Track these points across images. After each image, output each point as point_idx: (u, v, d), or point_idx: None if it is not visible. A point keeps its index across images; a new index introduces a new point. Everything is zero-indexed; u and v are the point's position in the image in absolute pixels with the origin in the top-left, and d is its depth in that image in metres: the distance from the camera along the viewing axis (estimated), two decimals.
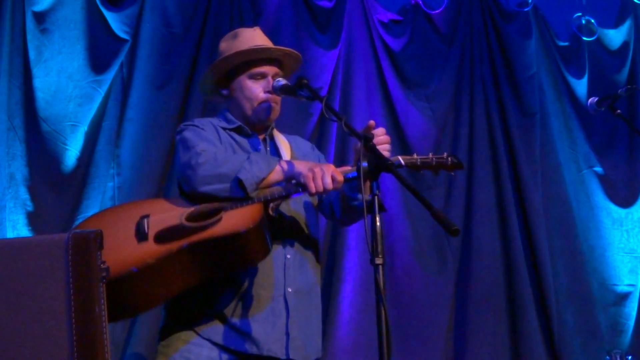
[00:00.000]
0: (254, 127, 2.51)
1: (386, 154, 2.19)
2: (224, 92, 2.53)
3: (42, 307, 1.74)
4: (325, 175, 2.11)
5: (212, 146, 2.32)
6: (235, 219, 2.14)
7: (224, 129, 2.49)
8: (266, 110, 2.46)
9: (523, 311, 4.29)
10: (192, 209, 2.20)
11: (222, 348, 2.24)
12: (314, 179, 2.12)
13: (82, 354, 1.70)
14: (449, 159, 2.36)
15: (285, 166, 2.23)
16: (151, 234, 2.17)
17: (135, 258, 2.10)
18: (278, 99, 2.50)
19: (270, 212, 2.23)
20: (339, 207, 2.47)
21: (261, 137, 2.52)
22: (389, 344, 1.74)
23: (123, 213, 2.31)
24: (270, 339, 2.24)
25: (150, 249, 2.12)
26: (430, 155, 2.35)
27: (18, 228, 3.63)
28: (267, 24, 4.30)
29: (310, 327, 2.35)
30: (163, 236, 2.14)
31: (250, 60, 2.45)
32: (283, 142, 2.55)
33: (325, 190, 2.12)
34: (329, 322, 3.98)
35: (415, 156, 2.32)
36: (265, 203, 2.20)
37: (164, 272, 2.11)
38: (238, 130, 2.50)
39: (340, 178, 2.13)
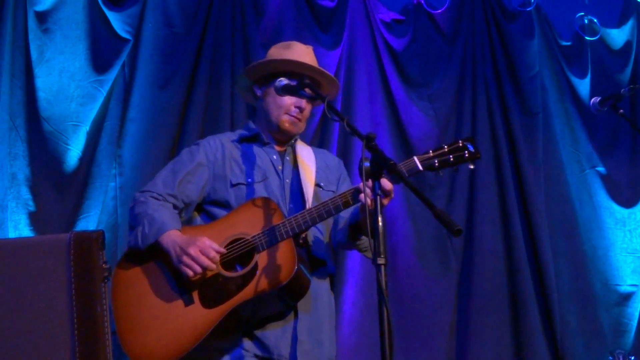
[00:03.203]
0: (276, 137, 2.56)
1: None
2: (258, 92, 2.58)
3: (44, 307, 1.74)
4: (199, 258, 2.22)
5: (162, 187, 2.44)
6: (272, 268, 2.21)
7: (241, 139, 2.55)
8: (290, 122, 2.50)
9: (525, 311, 4.28)
10: (223, 250, 2.27)
11: (239, 346, 2.29)
12: (189, 266, 2.22)
13: (84, 353, 1.70)
14: (465, 150, 2.22)
15: (169, 240, 2.29)
16: (195, 295, 2.26)
17: (191, 331, 2.21)
18: (305, 116, 2.54)
19: (300, 241, 2.31)
20: (345, 236, 2.46)
21: (280, 148, 2.56)
22: (391, 344, 1.73)
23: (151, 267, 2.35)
24: (281, 343, 2.28)
25: (203, 317, 2.23)
26: (445, 147, 2.25)
27: (20, 228, 3.63)
28: (269, 24, 4.30)
29: (321, 333, 2.37)
30: (209, 297, 2.24)
31: (293, 72, 2.48)
32: (306, 155, 2.57)
33: (206, 265, 2.22)
34: None
35: (430, 153, 2.25)
36: (295, 237, 2.27)
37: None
38: (254, 139, 2.55)
39: (212, 254, 2.23)
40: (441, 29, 4.69)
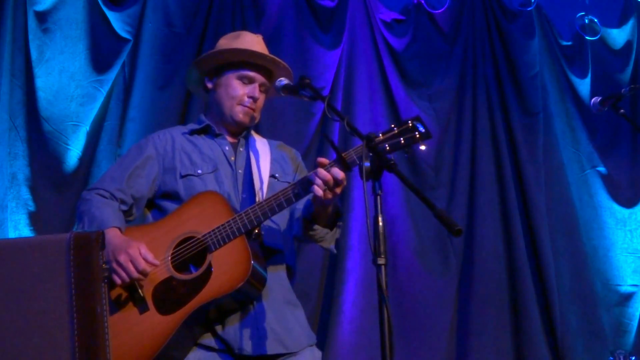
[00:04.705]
0: (229, 129, 2.51)
1: (320, 192, 2.11)
2: (209, 84, 2.54)
3: (43, 307, 1.74)
4: (127, 268, 2.12)
5: (110, 183, 2.36)
6: (226, 268, 2.15)
7: (192, 132, 2.50)
8: (244, 113, 2.46)
9: (526, 311, 4.28)
10: (156, 262, 2.18)
11: (198, 345, 2.24)
12: (117, 273, 2.13)
13: (84, 354, 1.70)
14: (415, 131, 2.11)
15: (105, 239, 2.17)
16: (149, 300, 2.17)
17: (149, 341, 2.12)
18: (259, 107, 2.50)
19: (253, 236, 2.25)
20: (300, 227, 2.41)
21: (232, 139, 2.51)
22: (391, 344, 1.73)
23: None
24: (241, 337, 2.22)
25: (161, 325, 2.13)
26: (395, 128, 2.14)
27: (20, 228, 3.63)
28: (269, 24, 4.30)
29: (287, 321, 2.33)
30: (164, 302, 2.16)
31: (244, 61, 2.46)
32: (261, 146, 2.53)
33: (135, 277, 2.13)
34: (332, 322, 3.97)
35: (380, 136, 2.12)
36: (248, 233, 2.21)
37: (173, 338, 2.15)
38: (205, 131, 2.51)
39: (142, 266, 2.12)
40: (441, 28, 4.69)
